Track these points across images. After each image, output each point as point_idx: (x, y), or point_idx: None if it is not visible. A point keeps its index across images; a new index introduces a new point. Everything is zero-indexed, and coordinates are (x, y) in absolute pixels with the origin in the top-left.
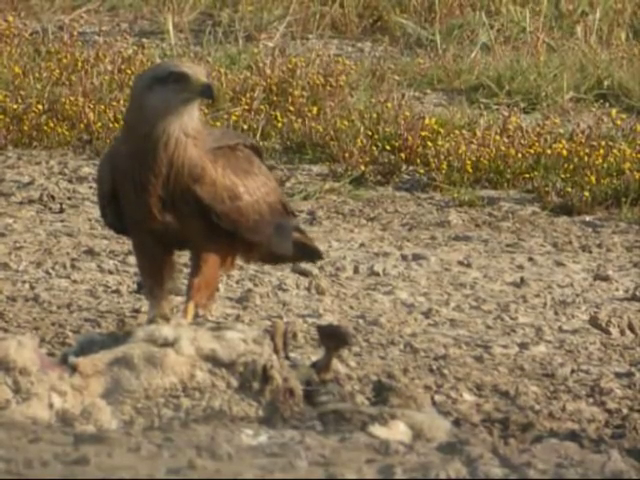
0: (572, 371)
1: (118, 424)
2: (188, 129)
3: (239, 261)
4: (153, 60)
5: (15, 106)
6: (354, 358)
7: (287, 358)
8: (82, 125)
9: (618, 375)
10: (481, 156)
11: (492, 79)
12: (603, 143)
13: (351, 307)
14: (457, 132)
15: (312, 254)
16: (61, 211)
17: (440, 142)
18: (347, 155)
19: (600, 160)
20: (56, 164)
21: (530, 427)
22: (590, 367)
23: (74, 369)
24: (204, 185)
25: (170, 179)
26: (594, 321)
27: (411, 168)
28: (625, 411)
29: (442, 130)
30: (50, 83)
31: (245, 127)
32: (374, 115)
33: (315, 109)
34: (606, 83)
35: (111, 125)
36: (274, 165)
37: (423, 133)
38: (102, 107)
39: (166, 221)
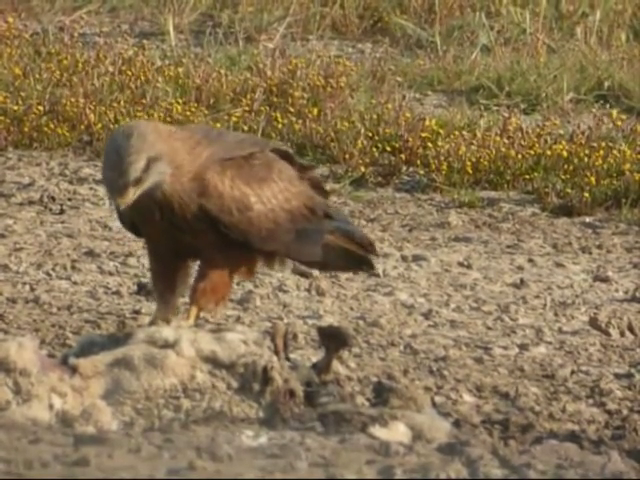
0: (572, 372)
1: (118, 425)
2: (162, 183)
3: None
4: (153, 61)
5: (15, 107)
6: (354, 359)
7: (287, 359)
8: (83, 126)
9: (618, 376)
10: (481, 157)
11: (492, 80)
12: (603, 144)
13: (351, 308)
14: (457, 133)
15: (359, 262)
16: (61, 212)
17: (440, 143)
18: (347, 156)
19: (600, 161)
20: (56, 165)
21: (530, 428)
22: (590, 368)
23: (74, 370)
24: (210, 197)
25: (175, 212)
26: (594, 322)
27: (411, 169)
28: (625, 412)
29: (442, 131)
30: (51, 84)
31: (245, 128)
32: (374, 116)
33: (315, 110)
34: (606, 84)
35: (111, 126)
36: None
37: (423, 134)
38: (103, 108)
39: (177, 236)
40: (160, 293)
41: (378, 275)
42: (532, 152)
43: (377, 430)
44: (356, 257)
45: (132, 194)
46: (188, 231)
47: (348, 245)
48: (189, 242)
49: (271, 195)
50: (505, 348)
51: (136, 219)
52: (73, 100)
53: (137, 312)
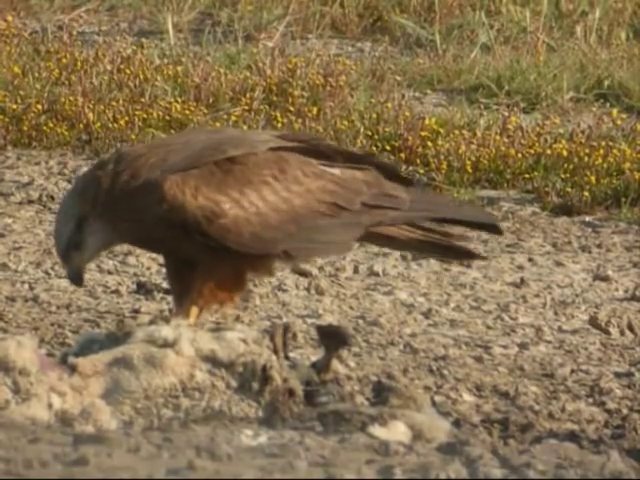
0: (572, 371)
1: (117, 424)
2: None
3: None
4: (152, 60)
5: (14, 106)
6: (354, 358)
7: (287, 358)
8: (81, 125)
9: (618, 375)
10: (481, 156)
11: (492, 79)
12: (603, 143)
13: (351, 307)
14: (457, 132)
15: (445, 250)
16: None
17: (440, 142)
18: None
19: (600, 160)
20: (55, 164)
21: (530, 427)
22: (590, 367)
23: (73, 369)
24: (171, 209)
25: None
26: (594, 321)
27: (411, 168)
28: (625, 411)
29: (442, 130)
30: (49, 83)
31: (245, 127)
32: (374, 115)
33: (315, 109)
34: (606, 83)
35: (110, 125)
36: None
37: (423, 133)
38: (101, 107)
39: (163, 245)
40: (176, 294)
41: (485, 258)
42: (532, 151)
43: (377, 429)
44: (446, 247)
45: (79, 261)
46: (167, 240)
47: (429, 237)
48: (175, 249)
49: (257, 198)
50: (505, 347)
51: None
52: (72, 99)
53: (136, 311)
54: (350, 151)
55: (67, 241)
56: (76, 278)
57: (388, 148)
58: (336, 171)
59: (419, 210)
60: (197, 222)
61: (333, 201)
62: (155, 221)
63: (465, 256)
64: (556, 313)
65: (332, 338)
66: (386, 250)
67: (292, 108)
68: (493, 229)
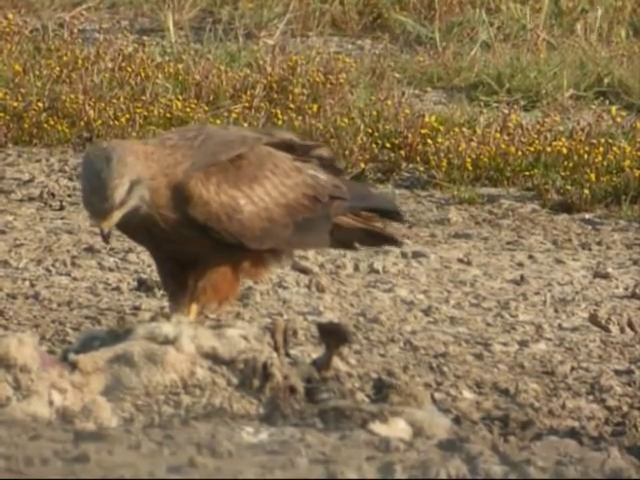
0: (572, 369)
1: (118, 421)
2: (143, 205)
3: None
4: (153, 58)
5: (15, 104)
6: (354, 356)
7: (287, 355)
8: (82, 123)
9: (618, 373)
10: (481, 154)
11: (492, 77)
12: (603, 141)
13: (351, 305)
14: (457, 130)
15: (380, 239)
16: (61, 208)
17: (440, 140)
18: (347, 153)
19: (600, 158)
20: (56, 162)
21: (530, 425)
22: (590, 365)
23: (74, 366)
24: (196, 207)
25: (160, 228)
26: (594, 319)
27: (411, 166)
28: (625, 409)
29: (442, 128)
30: (50, 81)
31: (245, 125)
32: (374, 113)
33: (315, 107)
34: (606, 80)
35: (111, 123)
36: None
37: (423, 131)
38: (102, 105)
39: (169, 246)
40: (171, 293)
41: (400, 244)
42: (532, 149)
43: (377, 426)
44: (375, 234)
45: (116, 217)
46: (179, 241)
47: (365, 224)
48: (183, 250)
49: (263, 193)
50: (505, 344)
51: (124, 233)
52: (73, 96)
53: (137, 308)
54: (303, 142)
55: (118, 202)
56: (108, 235)
57: (388, 145)
58: (298, 164)
59: (353, 199)
60: (218, 219)
61: (313, 194)
62: (180, 221)
63: (388, 242)
64: (556, 310)
65: (333, 335)
66: (386, 247)
67: (292, 105)
68: (397, 216)
